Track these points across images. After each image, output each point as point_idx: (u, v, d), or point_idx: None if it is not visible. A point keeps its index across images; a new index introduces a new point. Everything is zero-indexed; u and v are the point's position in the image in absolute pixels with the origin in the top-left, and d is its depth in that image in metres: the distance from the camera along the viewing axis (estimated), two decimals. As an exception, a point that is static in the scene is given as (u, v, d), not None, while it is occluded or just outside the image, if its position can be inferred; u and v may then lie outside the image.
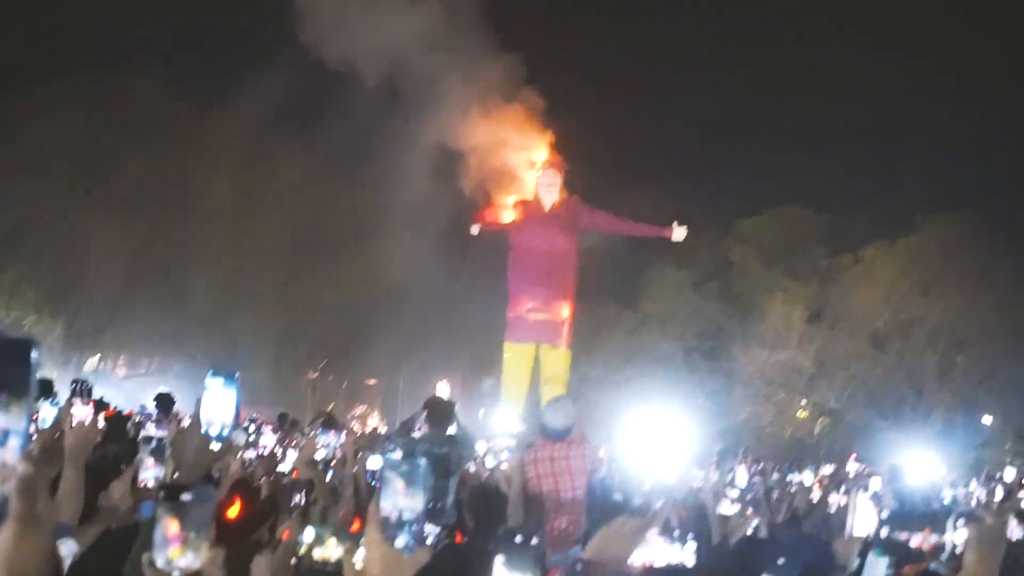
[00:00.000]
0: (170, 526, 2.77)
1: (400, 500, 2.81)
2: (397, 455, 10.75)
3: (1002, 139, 52.07)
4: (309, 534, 3.07)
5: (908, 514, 3.06)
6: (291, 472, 7.88)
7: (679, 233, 26.58)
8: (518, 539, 2.93)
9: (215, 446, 4.42)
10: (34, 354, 2.36)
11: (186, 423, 5.03)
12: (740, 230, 47.46)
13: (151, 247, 45.99)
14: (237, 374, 4.41)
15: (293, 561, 3.21)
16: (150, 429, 7.98)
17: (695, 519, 7.88)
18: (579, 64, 49.54)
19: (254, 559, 3.13)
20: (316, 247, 49.90)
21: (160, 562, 2.78)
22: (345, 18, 33.57)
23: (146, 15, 47.12)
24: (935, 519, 3.17)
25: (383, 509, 2.82)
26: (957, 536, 3.26)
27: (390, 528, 2.80)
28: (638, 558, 3.76)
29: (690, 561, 4.03)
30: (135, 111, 44.51)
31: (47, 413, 8.07)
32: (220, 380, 4.35)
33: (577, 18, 55.09)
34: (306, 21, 33.42)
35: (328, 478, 7.83)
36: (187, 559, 2.80)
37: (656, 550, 3.86)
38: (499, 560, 2.92)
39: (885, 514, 3.27)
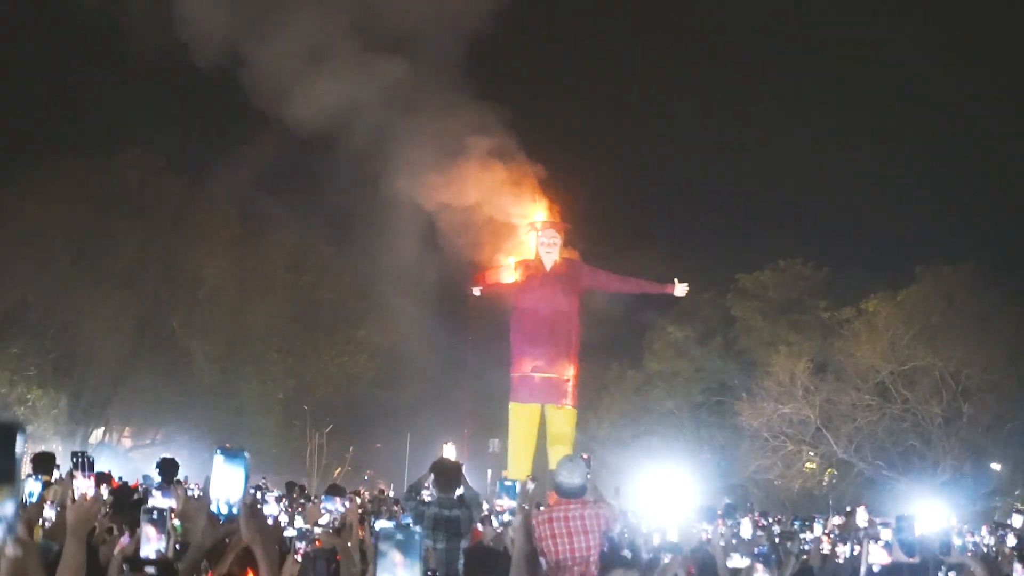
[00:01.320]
0: None
1: (397, 571, 2.83)
2: (403, 520, 10.77)
3: (1000, 189, 52.28)
4: None
5: (899, 566, 3.07)
6: (314, 541, 7.85)
7: (680, 289, 26.73)
8: None
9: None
10: (19, 439, 2.31)
11: (193, 494, 5.06)
12: (741, 286, 47.46)
13: (153, 320, 46.14)
14: (245, 452, 4.43)
15: None
16: (156, 498, 7.96)
17: (704, 573, 7.86)
18: (579, 126, 49.93)
19: None
20: (317, 315, 50.01)
21: None
22: (331, 89, 33.83)
23: (136, 94, 47.45)
24: (925, 570, 3.19)
25: None
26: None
27: None
28: None
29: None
30: (130, 188, 44.84)
31: (33, 487, 8.04)
32: (228, 457, 4.36)
33: (577, 81, 55.50)
34: (296, 99, 33.73)
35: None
36: None
37: None
38: None
39: (876, 568, 3.29)
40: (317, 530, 7.54)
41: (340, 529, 7.13)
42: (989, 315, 40.13)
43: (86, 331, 43.31)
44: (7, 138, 46.09)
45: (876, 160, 53.16)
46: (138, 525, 5.14)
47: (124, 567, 2.77)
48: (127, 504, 9.11)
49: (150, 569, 2.75)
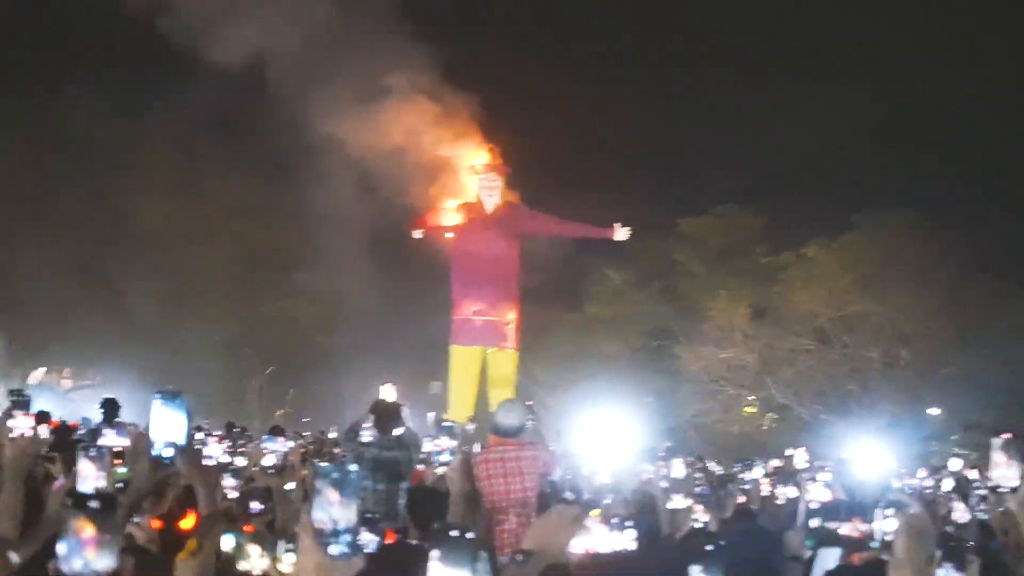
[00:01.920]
0: (84, 529, 2.75)
1: (334, 510, 2.80)
2: (347, 461, 10.75)
3: (941, 135, 52.56)
4: (228, 542, 3.03)
5: (837, 505, 3.11)
6: (246, 481, 7.82)
7: (621, 234, 26.68)
8: (453, 533, 2.92)
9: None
10: None
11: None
12: (682, 231, 47.59)
13: (93, 262, 45.73)
14: (183, 394, 4.38)
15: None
16: (109, 437, 7.87)
17: (644, 513, 7.90)
18: (520, 66, 49.62)
19: (177, 565, 3.10)
20: (256, 258, 49.79)
21: (76, 565, 2.75)
22: (251, 27, 33.54)
23: (80, 32, 46.79)
24: (864, 509, 3.21)
25: (317, 519, 2.80)
26: (885, 524, 3.30)
27: (324, 537, 2.79)
28: (578, 546, 3.76)
29: (631, 547, 4.03)
30: (71, 129, 44.34)
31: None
32: (167, 401, 4.31)
33: (517, 19, 55.20)
34: (219, 38, 33.41)
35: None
36: (105, 561, 2.78)
37: (597, 537, 3.86)
38: (434, 555, 2.91)
39: (815, 506, 3.31)
40: (257, 470, 7.51)
41: (280, 469, 7.10)
42: (929, 263, 40.44)
43: (25, 271, 42.91)
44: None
45: (816, 106, 53.22)
46: (74, 463, 5.09)
47: (68, 502, 2.72)
48: (67, 443, 9.03)
49: (93, 503, 2.70)
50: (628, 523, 4.14)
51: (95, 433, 9.00)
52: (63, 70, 45.86)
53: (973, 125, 51.65)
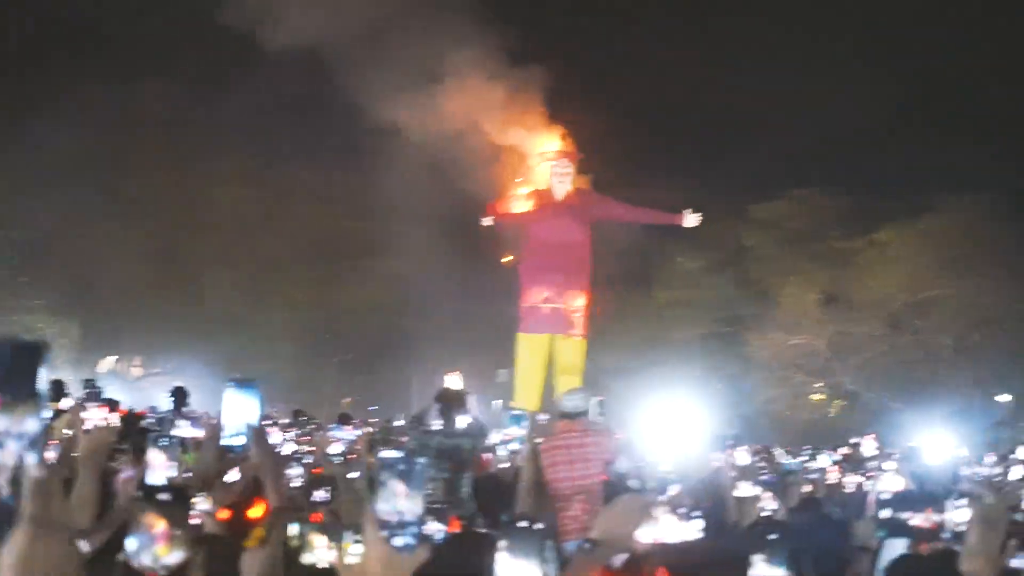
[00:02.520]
0: (156, 524, 2.77)
1: (399, 501, 2.81)
2: (410, 448, 10.79)
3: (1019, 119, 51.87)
4: (294, 532, 3.04)
5: (909, 494, 3.07)
6: (312, 468, 7.86)
7: (692, 220, 26.55)
8: (522, 524, 2.92)
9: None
10: (44, 359, 2.32)
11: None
12: (754, 215, 47.34)
13: (167, 248, 46.13)
14: (256, 382, 4.41)
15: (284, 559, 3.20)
16: (184, 428, 7.96)
17: (712, 502, 7.87)
18: (591, 49, 49.54)
19: (244, 555, 3.12)
20: (330, 248, 50.07)
21: (146, 560, 2.77)
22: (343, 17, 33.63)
23: (150, 19, 47.14)
24: (936, 499, 3.17)
25: (381, 511, 2.81)
26: (957, 515, 3.26)
27: (390, 529, 2.79)
28: (646, 535, 3.76)
29: (698, 537, 4.03)
30: (145, 115, 44.73)
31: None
32: (239, 388, 4.34)
33: (588, 8, 55.07)
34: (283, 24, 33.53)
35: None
36: (175, 556, 2.80)
37: (665, 526, 3.86)
38: (503, 546, 2.92)
39: (886, 495, 3.28)
40: (322, 458, 7.56)
41: (345, 457, 7.14)
42: (1005, 247, 40.04)
43: (101, 258, 43.40)
44: (33, 68, 45.92)
45: (894, 90, 52.67)
46: (144, 453, 5.13)
47: (138, 495, 2.75)
48: (136, 432, 9.12)
49: (163, 496, 2.72)
50: (696, 513, 4.14)
51: (166, 422, 9.08)
52: (137, 57, 46.26)
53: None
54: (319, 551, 3.18)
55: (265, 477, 4.25)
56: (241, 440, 4.29)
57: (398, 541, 2.75)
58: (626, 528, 3.46)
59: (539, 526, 2.94)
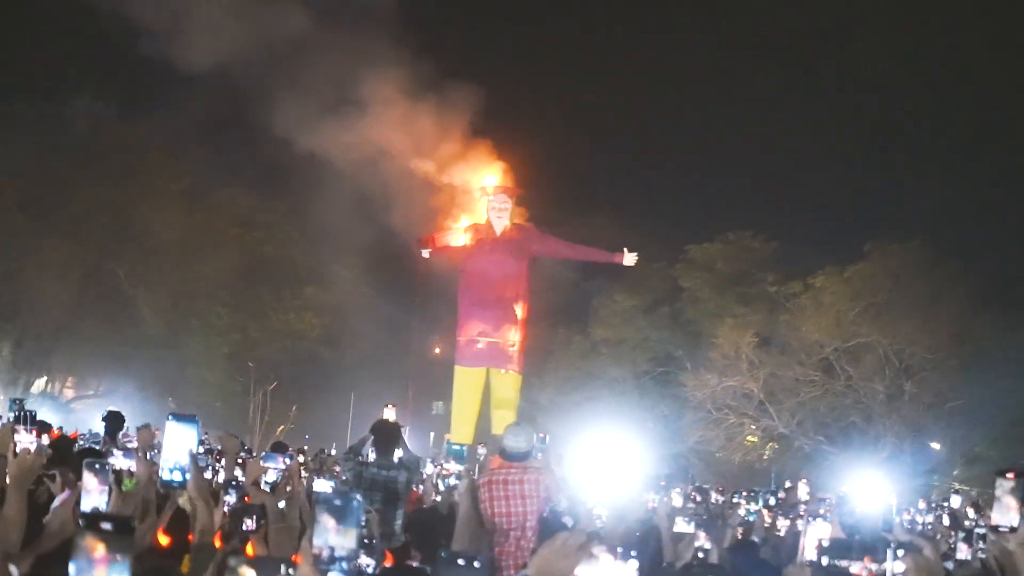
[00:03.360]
0: (96, 548, 2.72)
1: (331, 537, 2.78)
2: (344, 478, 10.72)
3: (950, 168, 52.59)
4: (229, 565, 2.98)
5: (849, 543, 3.05)
6: (242, 497, 7.76)
7: (630, 259, 26.69)
8: (460, 562, 2.90)
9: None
10: None
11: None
12: (690, 257, 47.56)
13: (99, 270, 45.71)
14: (196, 416, 4.37)
15: None
16: (118, 459, 7.86)
17: (646, 541, 7.85)
18: (532, 91, 49.74)
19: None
20: (265, 272, 49.84)
21: None
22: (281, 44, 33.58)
23: (87, 42, 46.90)
24: (875, 547, 3.15)
25: (315, 546, 2.78)
26: (896, 566, 3.25)
27: (323, 564, 2.77)
28: (584, 573, 3.73)
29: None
30: (81, 137, 44.37)
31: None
32: (180, 422, 4.30)
33: (530, 47, 55.35)
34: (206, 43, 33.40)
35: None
36: None
37: (602, 566, 3.83)
38: None
39: (826, 543, 3.25)
40: (252, 487, 7.46)
41: (274, 486, 7.05)
42: (935, 294, 40.36)
43: (30, 279, 42.87)
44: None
45: (828, 136, 53.29)
46: (78, 477, 5.06)
47: (80, 523, 2.68)
48: (67, 455, 8.98)
49: (106, 526, 2.66)
50: (632, 553, 4.11)
51: (100, 452, 8.95)
52: (69, 78, 45.98)
53: (984, 154, 51.69)
54: None
55: (199, 507, 4.21)
56: (180, 476, 4.26)
57: None
58: (564, 565, 3.44)
59: (478, 564, 2.90)
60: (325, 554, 2.74)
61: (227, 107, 38.74)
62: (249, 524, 5.45)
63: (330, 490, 9.69)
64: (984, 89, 53.79)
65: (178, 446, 4.26)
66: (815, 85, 55.80)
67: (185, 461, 4.23)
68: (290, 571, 2.96)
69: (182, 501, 4.26)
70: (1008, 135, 51.71)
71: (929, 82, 52.46)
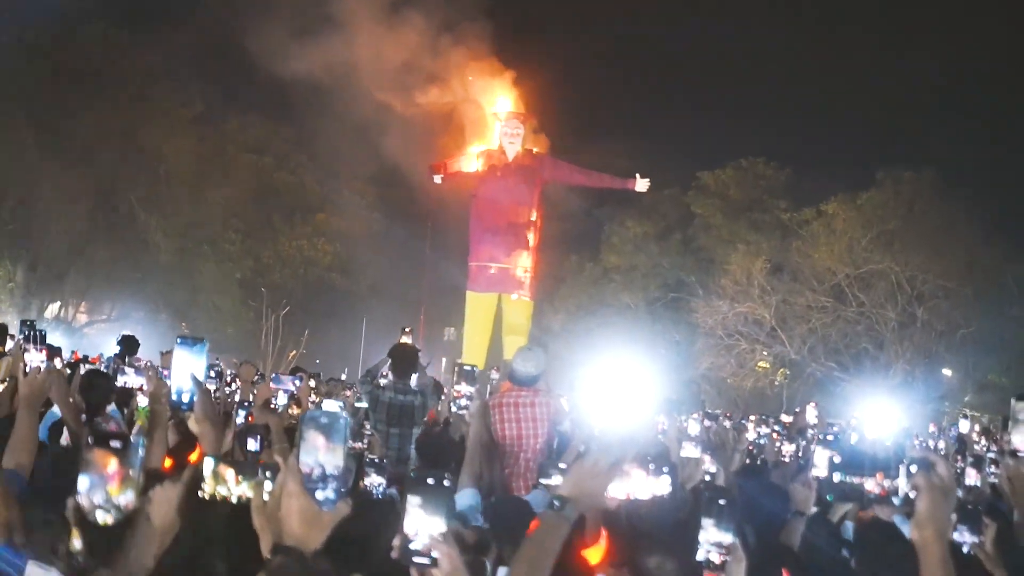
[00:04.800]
0: (108, 463, 2.75)
1: (320, 455, 2.79)
2: (359, 403, 10.77)
3: (964, 97, 52.25)
4: (208, 465, 3.01)
5: (861, 459, 3.06)
6: (246, 417, 7.79)
7: (642, 184, 26.64)
8: (430, 481, 2.93)
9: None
10: None
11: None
12: (702, 183, 47.44)
13: (111, 196, 45.66)
14: (204, 340, 4.38)
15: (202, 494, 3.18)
16: (129, 376, 7.91)
17: (658, 463, 7.87)
18: (545, 17, 49.41)
19: (154, 489, 3.09)
20: (277, 198, 49.81)
21: (97, 499, 2.74)
22: None
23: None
24: (888, 464, 3.16)
25: (303, 464, 2.79)
26: (911, 481, 3.26)
27: (311, 483, 2.78)
28: (617, 491, 3.75)
29: (667, 493, 4.04)
30: (93, 62, 44.12)
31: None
32: (188, 347, 4.32)
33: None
34: None
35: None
36: (126, 496, 2.78)
37: (636, 483, 3.86)
38: (414, 502, 2.92)
39: (838, 459, 3.27)
40: (257, 408, 7.49)
41: (285, 408, 7.09)
42: (948, 222, 40.24)
43: (44, 204, 42.85)
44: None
45: (843, 63, 52.91)
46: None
47: (88, 440, 2.72)
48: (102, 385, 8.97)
49: (115, 443, 2.70)
50: (664, 469, 4.14)
51: (106, 375, 8.97)
52: (80, 4, 45.62)
53: (997, 84, 51.35)
54: (230, 484, 3.15)
55: (205, 430, 4.23)
56: (188, 397, 4.28)
57: (319, 495, 2.74)
58: (597, 483, 3.45)
59: (447, 483, 2.93)
60: (315, 472, 2.76)
61: (238, 32, 38.49)
62: (253, 444, 5.49)
63: (338, 408, 9.77)
64: (999, 19, 53.30)
65: (185, 369, 4.28)
66: (829, 13, 55.32)
67: (193, 385, 4.26)
68: (268, 474, 3.00)
69: (190, 423, 4.27)
70: (1022, 67, 51.37)
71: (943, 11, 52.01)
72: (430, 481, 2.94)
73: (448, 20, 31.51)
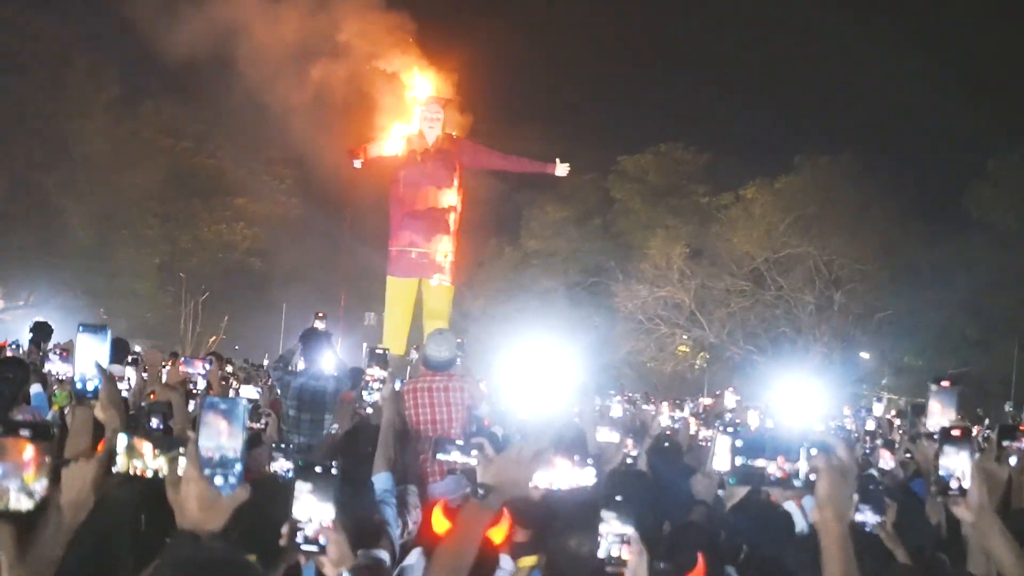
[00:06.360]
0: (24, 450, 2.71)
1: (221, 439, 2.79)
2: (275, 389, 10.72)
3: (882, 82, 52.81)
4: (122, 441, 2.99)
5: (762, 443, 3.08)
6: (148, 395, 7.73)
7: (562, 169, 26.70)
8: (317, 470, 2.94)
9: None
10: None
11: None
12: (622, 168, 47.64)
13: (26, 180, 45.10)
14: (106, 327, 4.31)
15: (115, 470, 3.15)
16: (56, 365, 7.84)
17: (573, 447, 7.89)
18: (468, 1, 49.35)
19: (68, 466, 3.06)
20: (195, 182, 49.47)
21: (12, 486, 2.71)
22: None
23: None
24: (789, 448, 3.18)
25: (203, 448, 2.78)
26: (811, 463, 3.30)
27: (211, 467, 2.77)
28: (540, 481, 3.76)
29: (591, 483, 4.05)
30: (8, 46, 43.53)
31: None
32: (91, 333, 4.25)
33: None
34: None
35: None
36: (41, 483, 2.75)
37: (560, 473, 3.86)
38: (304, 489, 2.94)
39: (740, 443, 3.29)
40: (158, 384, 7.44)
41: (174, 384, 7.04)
42: (864, 207, 40.72)
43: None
44: None
45: (759, 48, 53.36)
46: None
47: (0, 428, 2.68)
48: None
49: (25, 432, 2.66)
50: (589, 460, 4.15)
51: (23, 362, 8.86)
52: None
53: (912, 67, 51.97)
54: (147, 458, 3.13)
55: (109, 416, 4.18)
56: (93, 385, 4.22)
57: (219, 480, 2.74)
58: (521, 473, 3.46)
59: (335, 471, 2.94)
60: (215, 456, 2.76)
61: (155, 15, 38.09)
62: (155, 422, 5.44)
63: (256, 396, 9.70)
64: (920, 3, 53.96)
65: (90, 356, 4.22)
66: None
67: (96, 372, 4.20)
68: (180, 450, 2.98)
69: (96, 411, 4.20)
70: (937, 49, 51.99)
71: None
72: (318, 469, 2.96)
73: (369, 2, 31.40)
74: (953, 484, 3.60)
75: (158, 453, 3.09)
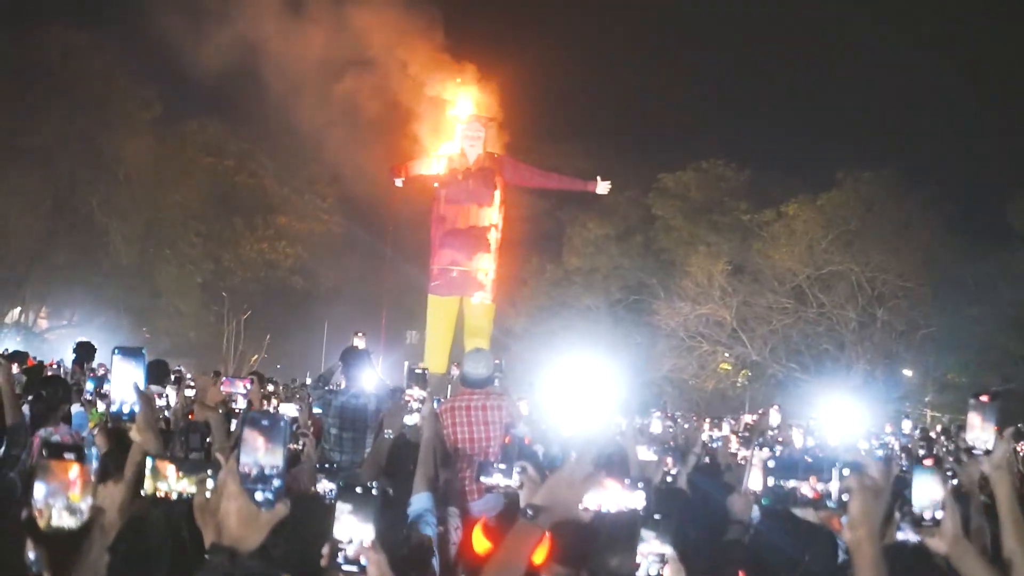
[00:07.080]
0: (69, 469, 2.73)
1: (260, 456, 2.79)
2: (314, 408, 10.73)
3: (924, 97, 52.59)
4: (148, 464, 3.01)
5: (795, 463, 3.07)
6: (187, 414, 7.75)
7: (603, 187, 26.66)
8: (358, 490, 2.95)
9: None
10: None
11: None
12: (663, 185, 47.54)
13: (71, 199, 45.45)
14: (143, 350, 4.32)
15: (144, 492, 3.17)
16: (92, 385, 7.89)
17: (614, 466, 7.85)
18: (507, 18, 49.44)
19: (98, 489, 3.07)
20: (238, 200, 49.69)
21: (59, 504, 2.72)
22: None
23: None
24: (821, 468, 3.17)
25: (243, 464, 2.79)
26: (843, 484, 3.29)
27: (250, 483, 2.78)
28: (590, 503, 3.76)
29: (641, 505, 4.04)
30: (52, 64, 43.86)
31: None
32: (126, 357, 4.26)
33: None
34: None
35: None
36: (87, 502, 2.77)
37: (611, 495, 3.86)
38: (345, 509, 2.94)
39: (772, 464, 3.28)
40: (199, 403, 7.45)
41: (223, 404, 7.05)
42: (907, 222, 40.53)
43: (2, 208, 42.56)
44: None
45: (803, 64, 53.19)
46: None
47: (42, 451, 2.70)
48: (38, 382, 8.95)
49: (68, 455, 2.68)
50: (640, 484, 4.14)
51: (66, 383, 8.92)
52: (39, 5, 45.39)
53: (956, 83, 51.75)
54: (170, 481, 3.15)
55: (146, 439, 4.19)
56: (128, 408, 4.23)
57: (258, 496, 2.75)
58: (571, 495, 3.47)
59: (375, 492, 2.94)
60: (253, 472, 2.76)
61: (197, 34, 38.34)
62: (194, 442, 5.46)
63: (296, 414, 9.71)
64: (959, 17, 53.68)
65: (126, 380, 4.22)
66: (788, 15, 55.54)
67: (133, 395, 4.20)
68: (210, 472, 3.00)
69: (132, 433, 4.21)
70: (980, 64, 51.72)
71: (903, 12, 52.34)
72: (358, 489, 2.96)
73: (409, 22, 31.48)
74: (927, 515, 3.58)
75: (181, 475, 3.11)
